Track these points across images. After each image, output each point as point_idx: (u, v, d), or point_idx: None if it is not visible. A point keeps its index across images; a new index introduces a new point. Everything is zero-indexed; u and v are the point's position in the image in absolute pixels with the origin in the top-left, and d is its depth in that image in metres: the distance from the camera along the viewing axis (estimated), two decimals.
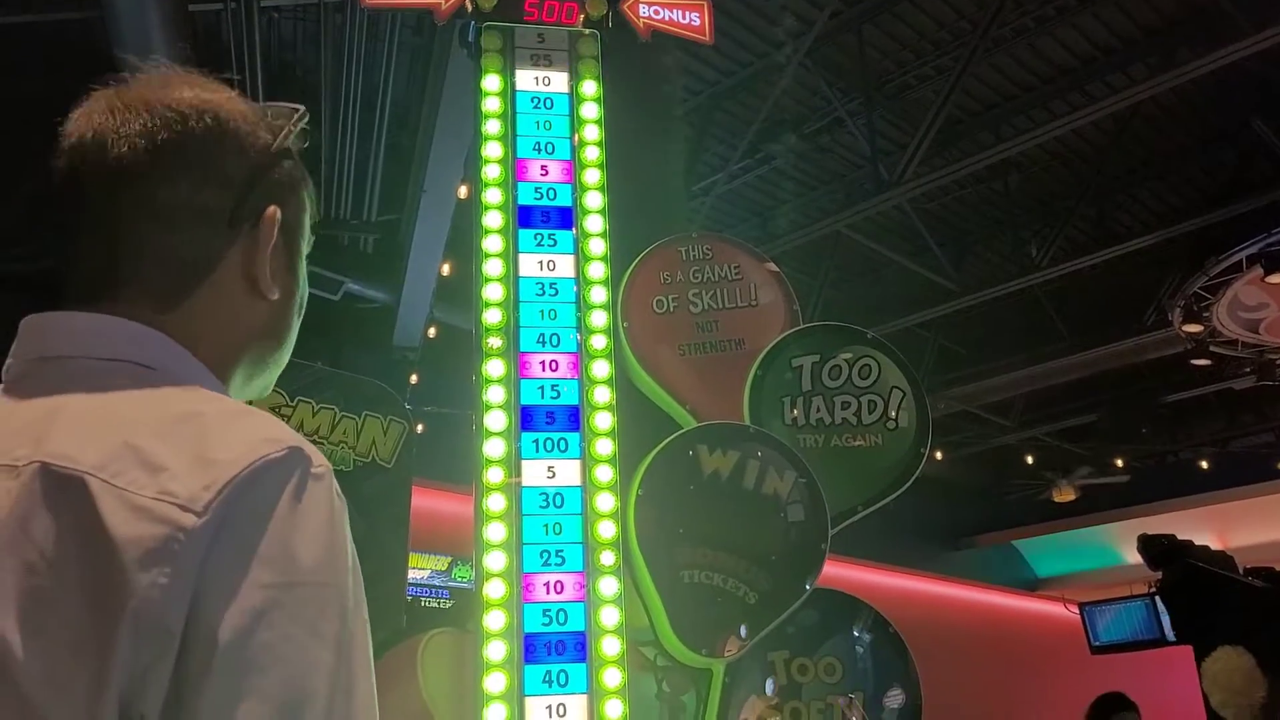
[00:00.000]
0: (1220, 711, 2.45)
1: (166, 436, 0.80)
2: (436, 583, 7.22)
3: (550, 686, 2.54)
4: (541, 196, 2.87)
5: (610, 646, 2.60)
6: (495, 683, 2.52)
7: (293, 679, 0.74)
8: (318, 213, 1.09)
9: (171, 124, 0.94)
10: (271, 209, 0.99)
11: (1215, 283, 7.22)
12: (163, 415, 0.82)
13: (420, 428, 5.40)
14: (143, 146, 0.93)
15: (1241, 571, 4.97)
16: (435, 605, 7.05)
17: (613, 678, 2.58)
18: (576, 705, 2.54)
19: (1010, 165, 7.63)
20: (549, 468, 2.70)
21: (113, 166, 0.93)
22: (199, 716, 0.72)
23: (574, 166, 2.91)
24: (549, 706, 2.53)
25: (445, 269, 6.46)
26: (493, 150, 2.88)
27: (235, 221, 0.96)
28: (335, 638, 0.78)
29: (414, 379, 7.06)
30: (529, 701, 2.52)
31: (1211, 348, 8.11)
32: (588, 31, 3.01)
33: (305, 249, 1.07)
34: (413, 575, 6.73)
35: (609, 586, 2.64)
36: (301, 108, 1.03)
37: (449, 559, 7.20)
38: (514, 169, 2.87)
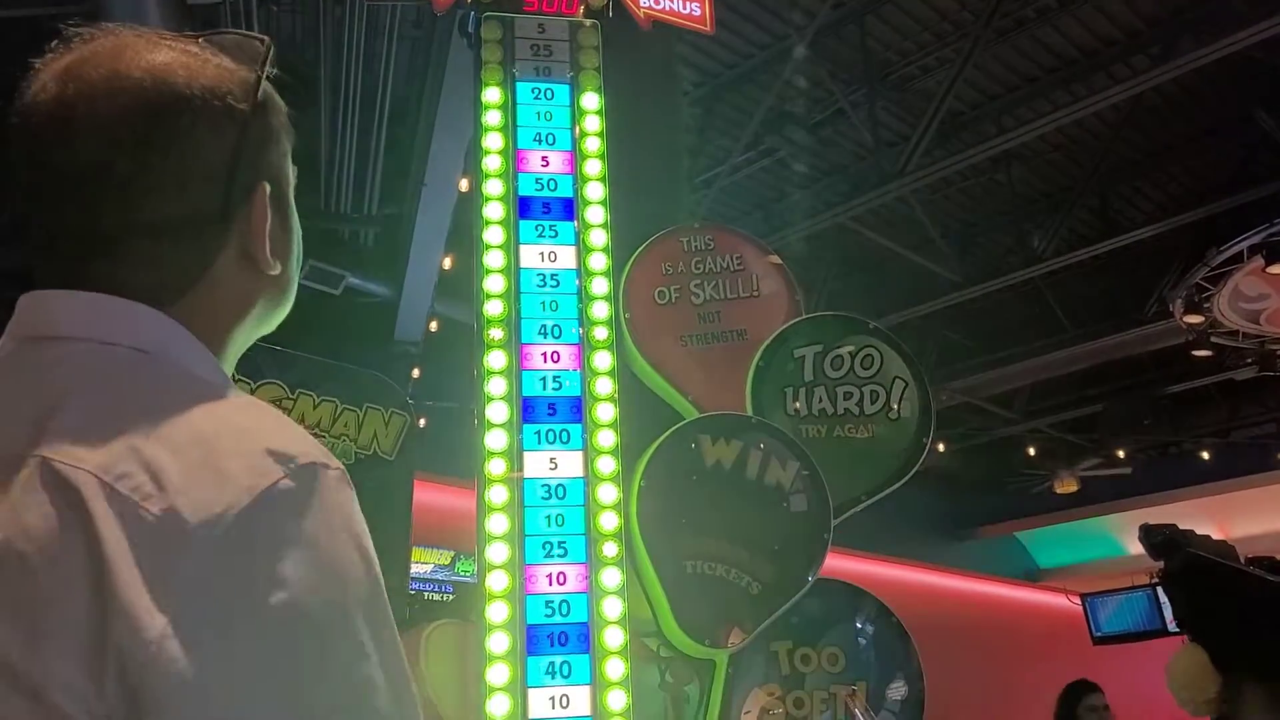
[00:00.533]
0: (1182, 708, 2.48)
1: (172, 441, 0.77)
2: (439, 577, 7.23)
3: (553, 678, 2.54)
4: (542, 187, 2.86)
5: (613, 638, 2.60)
6: (498, 674, 2.52)
7: (323, 697, 0.73)
8: (294, 134, 1.01)
9: (136, 112, 0.86)
10: (260, 186, 0.94)
11: (1216, 273, 7.22)
12: (168, 414, 0.79)
13: (422, 422, 5.40)
14: (109, 141, 0.85)
15: (1243, 561, 4.97)
16: (438, 599, 7.06)
17: (616, 669, 2.58)
18: (580, 696, 2.54)
19: (1013, 156, 7.62)
20: (551, 459, 2.70)
21: (77, 165, 0.86)
22: None
23: (575, 157, 2.90)
24: (552, 698, 2.53)
25: (447, 263, 6.47)
26: (493, 141, 2.87)
27: (226, 215, 0.91)
28: (361, 649, 0.76)
29: (416, 373, 7.07)
30: (532, 693, 2.52)
31: (1213, 338, 8.11)
32: (588, 22, 3.01)
33: (293, 183, 1.01)
34: (416, 569, 6.75)
35: (611, 578, 2.64)
36: (265, 40, 0.95)
37: (452, 553, 7.21)
38: (514, 160, 2.86)
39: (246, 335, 0.99)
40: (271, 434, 0.80)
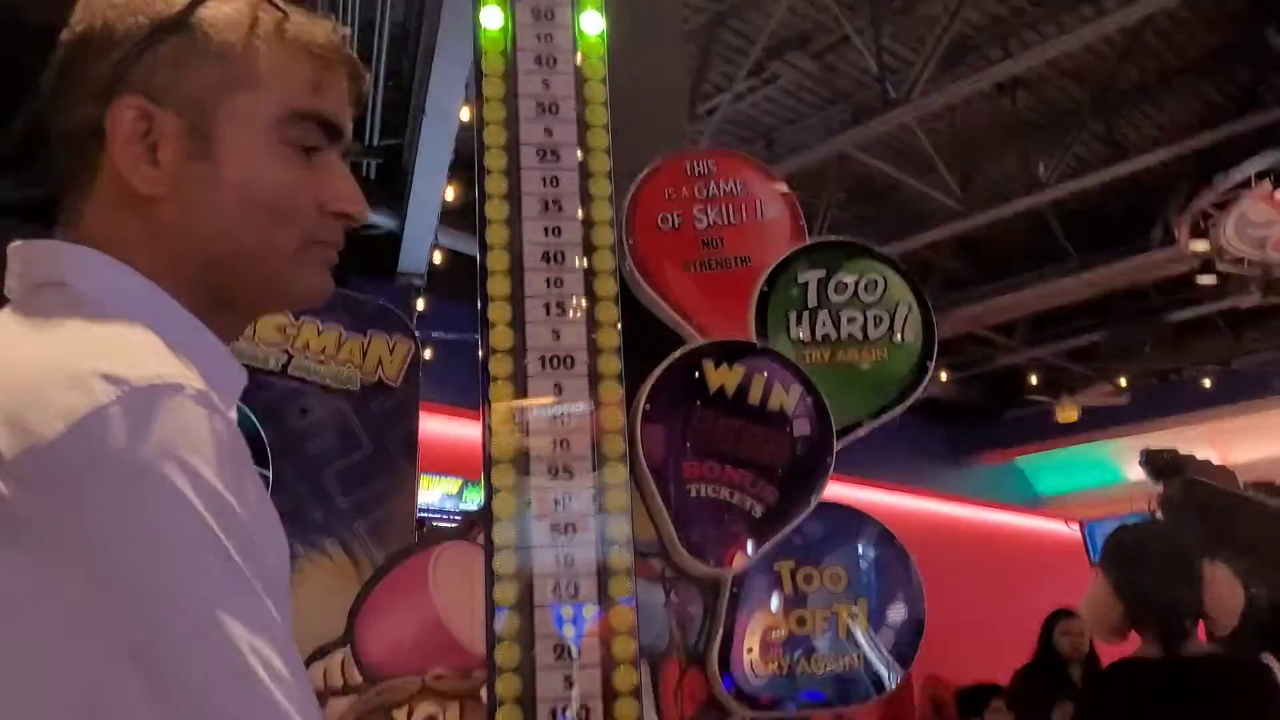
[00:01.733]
0: (1096, 637, 2.59)
1: (6, 376, 0.73)
2: (448, 506, 7.32)
3: (559, 597, 2.59)
4: (544, 111, 2.84)
5: (619, 558, 2.64)
6: (505, 593, 2.57)
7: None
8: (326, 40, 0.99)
9: (63, 43, 0.91)
10: (124, 100, 0.87)
11: (1224, 200, 7.18)
12: (9, 349, 0.77)
13: (429, 353, 5.42)
14: (54, 59, 0.91)
15: (1243, 486, 5.03)
16: (447, 527, 7.16)
17: (622, 589, 2.62)
18: (586, 614, 2.59)
19: (1018, 82, 7.53)
20: (556, 385, 2.72)
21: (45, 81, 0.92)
22: None
23: (576, 81, 2.88)
24: (559, 615, 2.58)
25: (449, 194, 6.44)
26: (492, 65, 2.84)
27: (100, 129, 0.88)
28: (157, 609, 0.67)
29: (420, 304, 7.08)
30: (539, 611, 2.57)
31: (1218, 265, 8.08)
32: None
33: (247, 122, 0.91)
34: (424, 499, 6.81)
35: (616, 500, 2.67)
36: None
37: (460, 481, 7.28)
38: (515, 83, 2.84)
39: (210, 294, 0.91)
40: (115, 357, 0.74)
